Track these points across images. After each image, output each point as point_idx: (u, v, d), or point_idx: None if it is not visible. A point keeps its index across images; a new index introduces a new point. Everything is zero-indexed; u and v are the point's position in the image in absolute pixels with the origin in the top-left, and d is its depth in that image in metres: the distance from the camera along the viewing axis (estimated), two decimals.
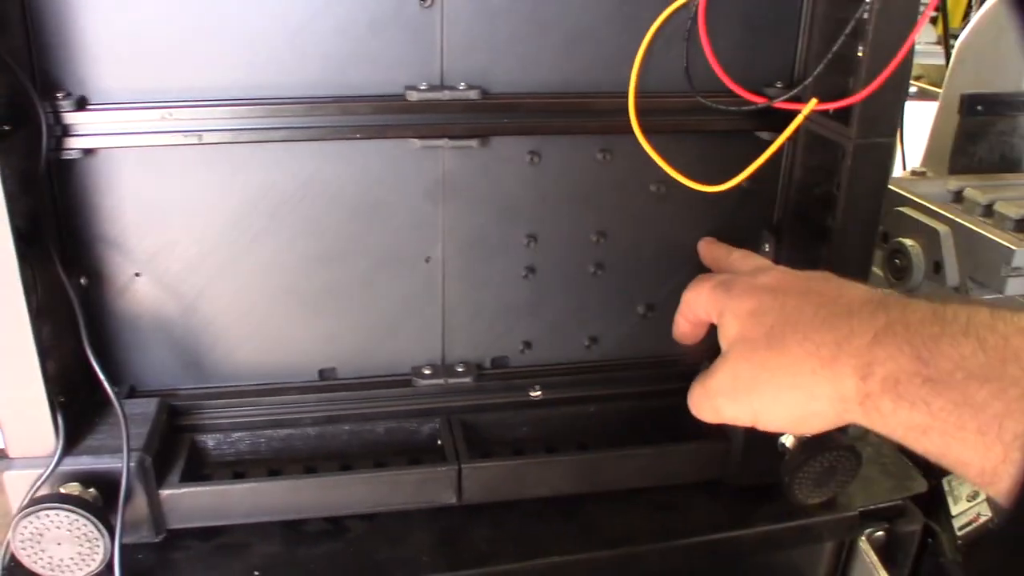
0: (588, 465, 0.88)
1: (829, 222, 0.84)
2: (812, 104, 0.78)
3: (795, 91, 0.83)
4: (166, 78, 0.78)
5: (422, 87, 0.81)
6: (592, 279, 0.91)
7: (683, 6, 0.82)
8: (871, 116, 0.78)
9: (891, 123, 0.81)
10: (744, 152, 0.84)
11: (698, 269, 0.84)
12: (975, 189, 1.17)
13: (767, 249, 0.91)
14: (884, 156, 0.82)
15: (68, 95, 0.77)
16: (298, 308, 0.88)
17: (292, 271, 0.86)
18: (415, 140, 0.82)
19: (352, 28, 0.79)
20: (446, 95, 0.81)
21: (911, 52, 0.75)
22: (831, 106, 0.79)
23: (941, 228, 1.10)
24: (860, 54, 0.76)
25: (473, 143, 0.83)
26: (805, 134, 0.86)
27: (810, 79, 0.81)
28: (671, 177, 0.84)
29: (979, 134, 1.38)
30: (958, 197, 1.20)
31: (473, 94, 0.81)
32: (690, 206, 0.90)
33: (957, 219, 1.09)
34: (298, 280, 0.87)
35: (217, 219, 0.83)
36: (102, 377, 0.79)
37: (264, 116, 0.79)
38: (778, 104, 0.81)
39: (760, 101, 0.82)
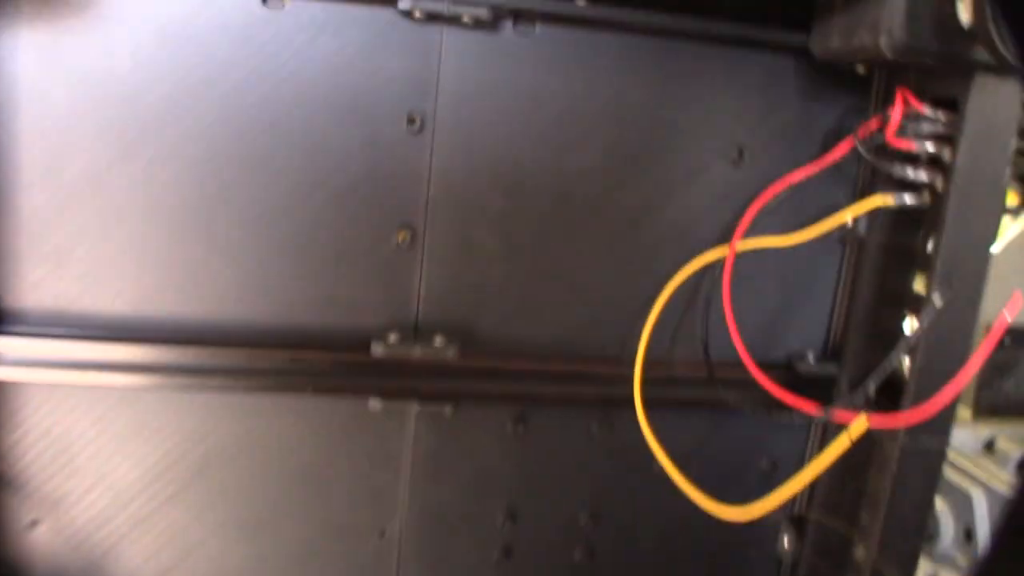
0: None
1: (863, 522, 0.70)
2: (862, 423, 0.65)
3: (856, 398, 0.70)
4: (93, 306, 0.67)
5: (391, 339, 0.68)
6: (579, 568, 0.77)
7: (707, 267, 0.70)
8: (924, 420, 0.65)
9: (945, 426, 0.68)
10: (762, 432, 0.72)
11: (706, 561, 0.70)
12: (1008, 440, 1.04)
13: (785, 546, 0.77)
14: (935, 462, 0.69)
15: None
16: None
17: (218, 535, 0.73)
18: (377, 400, 0.69)
19: (315, 263, 0.68)
20: (417, 351, 0.68)
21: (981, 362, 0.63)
22: (890, 423, 0.66)
23: (973, 491, 0.97)
24: (906, 366, 0.64)
25: (446, 408, 0.70)
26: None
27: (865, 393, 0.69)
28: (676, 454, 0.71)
29: (1006, 368, 1.27)
30: (989, 447, 1.07)
31: (450, 352, 0.69)
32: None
33: (990, 481, 0.95)
34: (225, 546, 0.73)
35: (137, 469, 0.71)
36: None
37: (201, 358, 0.67)
38: (837, 413, 0.68)
39: (807, 409, 0.68)
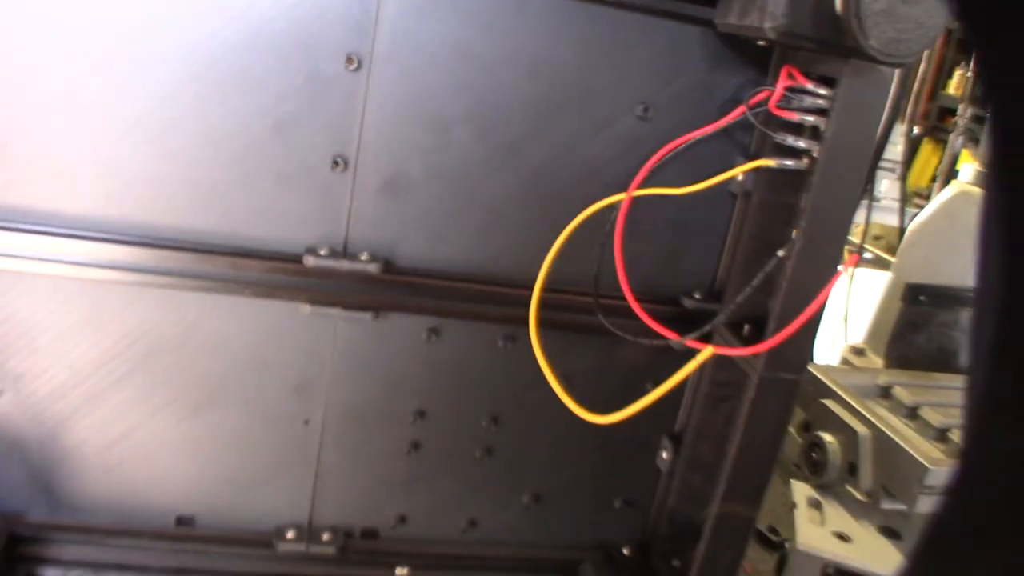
0: None
1: (728, 444, 0.80)
2: (709, 351, 0.75)
3: (715, 321, 0.80)
4: (57, 205, 0.74)
5: (322, 252, 0.77)
6: (478, 463, 0.87)
7: (606, 207, 0.79)
8: (781, 352, 0.75)
9: (802, 360, 0.78)
10: (651, 357, 0.81)
11: (592, 464, 0.80)
12: (903, 389, 1.14)
13: (664, 457, 0.88)
14: (790, 391, 0.79)
15: None
16: (163, 451, 0.83)
17: (160, 414, 0.82)
18: (307, 305, 0.78)
19: (258, 181, 0.76)
20: (345, 265, 0.77)
21: (823, 305, 0.73)
22: (733, 352, 0.76)
23: (861, 430, 1.07)
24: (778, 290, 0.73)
25: (368, 315, 0.79)
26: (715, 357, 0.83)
27: (721, 317, 0.79)
28: (576, 371, 0.81)
29: (920, 324, 1.36)
30: (886, 393, 1.17)
31: (373, 267, 0.77)
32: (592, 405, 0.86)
33: (878, 423, 1.06)
34: (165, 423, 0.82)
35: (92, 352, 0.79)
36: None
37: (152, 259, 0.76)
38: (688, 341, 0.78)
39: (671, 336, 0.78)
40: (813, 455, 1.12)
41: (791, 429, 1.17)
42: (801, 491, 1.10)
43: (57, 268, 0.75)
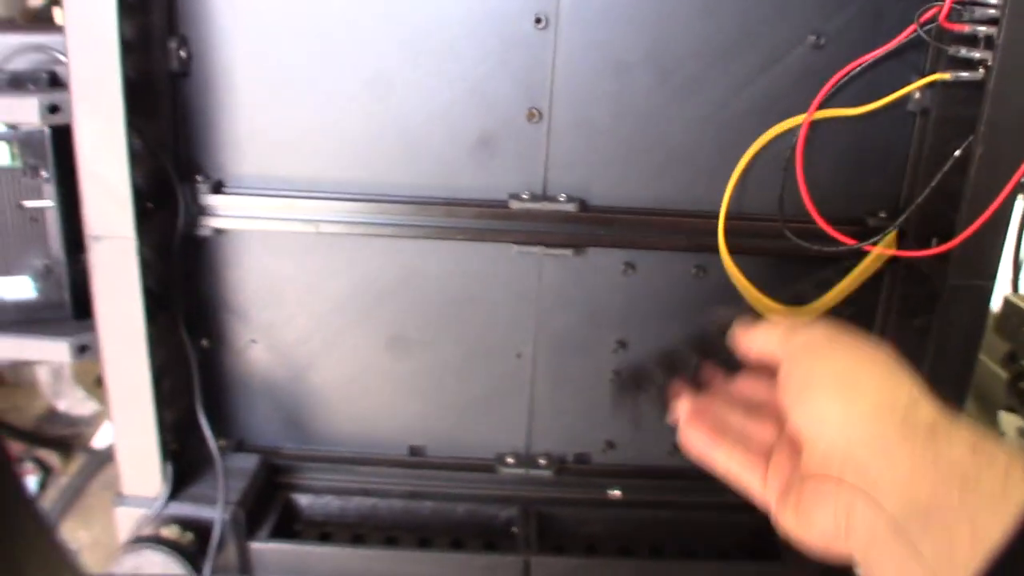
0: (658, 571, 0.90)
1: (925, 359, 0.83)
2: (880, 253, 0.78)
3: (893, 226, 0.83)
4: (293, 171, 0.86)
5: (524, 196, 0.85)
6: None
7: (785, 133, 0.83)
8: (968, 257, 0.78)
9: (990, 265, 0.79)
10: (838, 277, 0.86)
11: None
12: None
13: None
14: (981, 299, 0.81)
15: (206, 179, 0.86)
16: (394, 387, 0.94)
17: (391, 352, 0.92)
18: (513, 245, 0.87)
19: (463, 137, 0.85)
20: (546, 206, 0.85)
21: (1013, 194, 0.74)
22: (913, 254, 0.79)
23: None
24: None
25: (568, 252, 0.87)
26: (905, 267, 0.86)
27: (901, 219, 0.81)
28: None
29: None
30: None
31: (571, 207, 0.85)
32: None
33: None
34: (396, 361, 0.93)
35: (328, 299, 0.91)
36: (207, 433, 0.88)
37: (376, 212, 0.86)
38: (866, 246, 0.81)
39: (849, 242, 0.82)
40: (1021, 384, 1.11)
41: (996, 364, 1.16)
42: (1010, 423, 1.09)
43: (295, 226, 0.86)
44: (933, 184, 0.79)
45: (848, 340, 0.59)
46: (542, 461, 0.95)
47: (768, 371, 0.64)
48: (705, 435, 0.67)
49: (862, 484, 0.54)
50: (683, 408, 0.69)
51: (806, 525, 0.57)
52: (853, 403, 0.55)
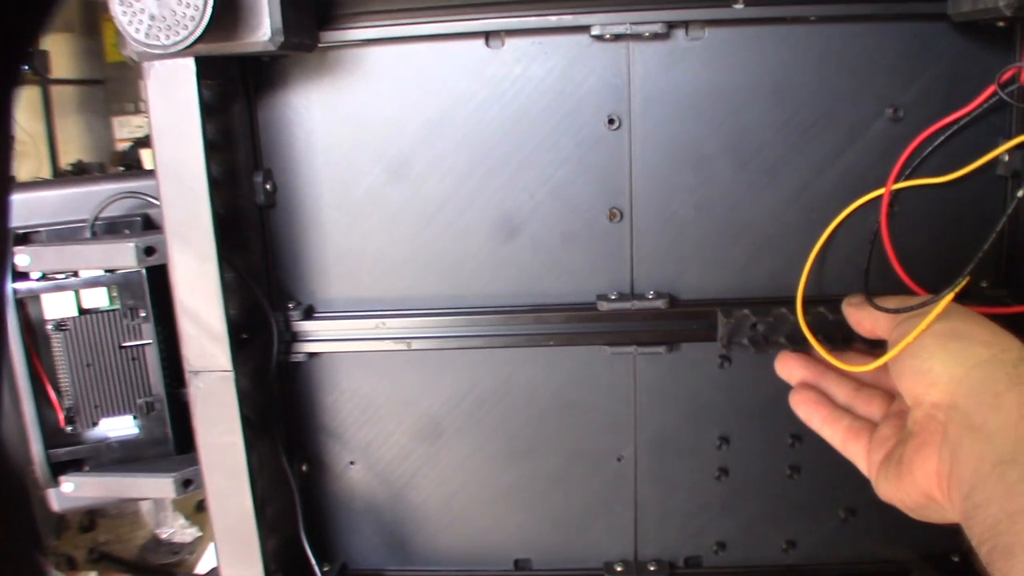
0: None
1: None
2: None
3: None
4: (381, 291, 0.87)
5: (612, 297, 0.85)
6: (788, 482, 0.90)
7: (871, 209, 0.82)
8: None
9: None
10: None
11: None
12: None
13: None
14: None
15: (298, 305, 0.87)
16: (495, 500, 0.92)
17: (489, 465, 0.91)
18: (606, 347, 0.86)
19: (546, 242, 0.85)
20: (635, 305, 0.84)
21: None
22: (997, 311, 0.75)
23: None
24: None
25: (661, 349, 0.86)
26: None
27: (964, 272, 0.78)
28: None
29: None
30: None
31: (661, 303, 0.84)
32: None
33: None
34: (494, 473, 0.91)
35: (424, 415, 0.91)
36: (311, 558, 0.87)
37: (465, 325, 0.86)
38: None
39: None
40: None
41: None
42: None
43: (387, 345, 0.87)
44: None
45: (955, 307, 0.65)
46: (652, 567, 0.92)
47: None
48: (811, 404, 0.76)
49: (967, 430, 0.56)
50: (795, 375, 0.79)
51: (908, 479, 0.60)
52: (963, 355, 0.60)
